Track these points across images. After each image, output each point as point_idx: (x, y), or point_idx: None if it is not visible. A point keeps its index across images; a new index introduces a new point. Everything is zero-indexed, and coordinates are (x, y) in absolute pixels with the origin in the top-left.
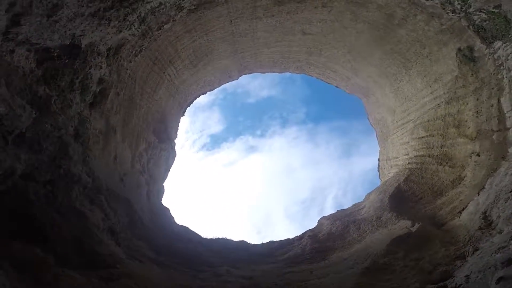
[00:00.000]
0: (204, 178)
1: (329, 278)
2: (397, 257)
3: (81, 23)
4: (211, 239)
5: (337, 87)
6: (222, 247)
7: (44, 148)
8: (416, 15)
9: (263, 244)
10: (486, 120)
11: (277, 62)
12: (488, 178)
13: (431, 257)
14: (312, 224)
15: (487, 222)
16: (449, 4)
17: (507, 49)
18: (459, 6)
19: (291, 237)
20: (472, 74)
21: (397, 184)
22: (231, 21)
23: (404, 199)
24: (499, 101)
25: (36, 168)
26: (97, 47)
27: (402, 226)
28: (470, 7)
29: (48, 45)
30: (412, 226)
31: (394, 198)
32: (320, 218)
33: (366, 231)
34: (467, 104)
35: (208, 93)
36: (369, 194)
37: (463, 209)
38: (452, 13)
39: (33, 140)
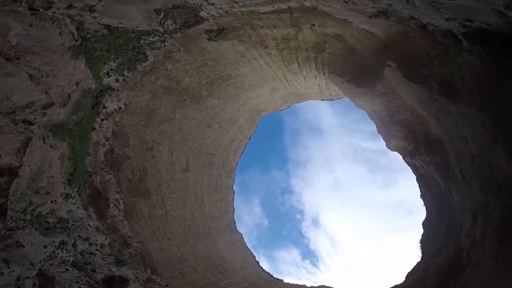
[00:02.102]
0: (344, 267)
1: None
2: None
3: None
4: None
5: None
6: None
7: None
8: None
9: None
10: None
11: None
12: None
13: (418, 49)
14: None
15: None
16: None
17: None
18: None
19: None
20: None
21: (347, 78)
22: None
23: (362, 73)
24: None
25: None
26: None
27: (390, 72)
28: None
29: None
30: (393, 65)
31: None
32: None
33: None
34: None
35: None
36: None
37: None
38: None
39: None
